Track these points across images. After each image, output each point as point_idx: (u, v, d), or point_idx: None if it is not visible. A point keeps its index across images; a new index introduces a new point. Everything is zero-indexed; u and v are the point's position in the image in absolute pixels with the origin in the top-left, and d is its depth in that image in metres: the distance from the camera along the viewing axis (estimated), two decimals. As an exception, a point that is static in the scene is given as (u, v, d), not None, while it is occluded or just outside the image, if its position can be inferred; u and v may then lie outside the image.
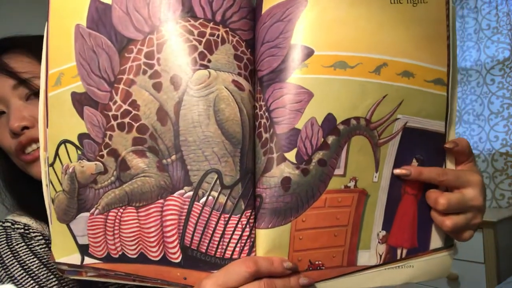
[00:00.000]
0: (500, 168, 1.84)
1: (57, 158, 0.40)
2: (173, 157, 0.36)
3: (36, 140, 0.53)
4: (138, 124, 0.36)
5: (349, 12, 0.36)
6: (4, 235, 0.54)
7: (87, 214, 0.39)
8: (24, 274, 0.49)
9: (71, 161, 0.39)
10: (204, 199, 0.35)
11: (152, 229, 0.37)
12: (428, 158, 0.40)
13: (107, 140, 0.37)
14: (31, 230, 0.55)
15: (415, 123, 0.40)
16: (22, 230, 0.55)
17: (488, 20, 1.88)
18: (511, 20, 1.79)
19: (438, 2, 0.40)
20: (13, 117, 0.52)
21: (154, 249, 0.37)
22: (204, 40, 0.36)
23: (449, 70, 0.40)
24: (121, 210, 0.37)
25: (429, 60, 0.39)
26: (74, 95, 0.38)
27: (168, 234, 0.36)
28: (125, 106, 0.36)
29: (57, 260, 0.41)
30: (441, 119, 0.41)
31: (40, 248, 0.53)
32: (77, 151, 0.39)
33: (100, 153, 0.38)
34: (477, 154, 1.94)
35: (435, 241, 0.42)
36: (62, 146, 0.39)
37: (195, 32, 0.36)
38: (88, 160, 0.38)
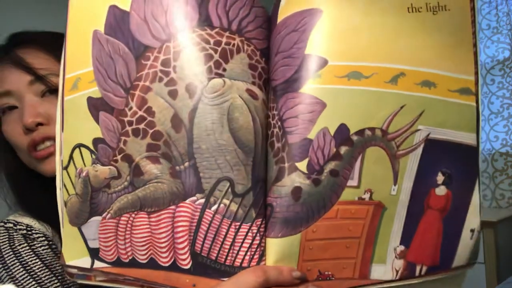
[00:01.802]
0: (500, 168, 1.86)
1: (71, 162, 0.41)
2: (186, 164, 0.37)
3: (49, 138, 0.54)
4: (152, 130, 0.37)
5: (364, 21, 0.37)
6: (7, 236, 0.55)
7: (99, 218, 0.40)
8: (26, 275, 0.50)
9: (85, 165, 0.40)
10: (215, 206, 0.36)
11: (163, 235, 0.38)
12: (458, 172, 0.39)
13: (121, 145, 0.38)
14: (33, 231, 0.56)
15: (439, 135, 0.39)
16: (25, 231, 0.56)
17: (488, 20, 1.91)
18: (511, 20, 1.80)
19: (462, 9, 0.39)
20: (28, 113, 0.53)
21: (165, 255, 0.38)
22: (219, 49, 0.37)
23: (477, 78, 0.39)
24: (133, 215, 0.38)
25: (453, 69, 0.39)
26: (90, 100, 0.40)
27: (179, 240, 0.37)
28: (140, 112, 0.37)
29: (67, 263, 0.42)
30: (471, 131, 0.39)
31: (43, 250, 0.54)
32: (91, 155, 0.40)
33: (114, 158, 0.39)
34: (476, 154, 1.95)
35: (460, 259, 0.41)
36: (77, 150, 0.41)
37: (211, 41, 0.37)
38: (102, 164, 0.39)
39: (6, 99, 0.55)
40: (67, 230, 0.42)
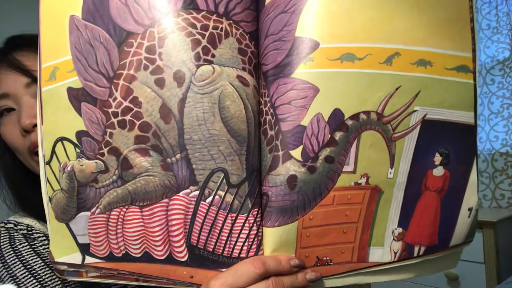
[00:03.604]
0: (500, 168, 1.94)
1: (54, 156, 0.40)
2: (178, 156, 0.36)
3: None
4: (140, 122, 0.36)
5: (356, 1, 0.37)
6: (7, 236, 0.56)
7: (87, 213, 0.39)
8: (27, 273, 0.50)
9: (69, 159, 0.39)
10: (210, 198, 0.36)
11: (157, 228, 0.37)
12: (456, 152, 0.40)
13: (107, 138, 0.37)
14: (34, 231, 0.58)
15: (436, 115, 0.39)
16: (25, 231, 0.57)
17: (488, 20, 1.97)
18: (511, 20, 1.86)
19: None
20: (25, 115, 0.53)
21: (160, 248, 0.38)
22: (207, 33, 0.36)
23: (474, 55, 0.40)
24: (124, 209, 0.38)
25: (450, 46, 0.39)
26: (71, 91, 0.38)
27: (174, 233, 0.37)
28: (126, 103, 0.36)
29: (56, 260, 0.41)
30: (468, 109, 0.40)
31: (44, 249, 0.56)
32: (75, 149, 0.39)
33: (100, 151, 0.38)
34: (477, 154, 2.01)
35: (457, 238, 0.42)
36: (59, 143, 0.40)
37: (198, 25, 0.36)
38: (88, 158, 0.38)
39: (4, 102, 0.56)
40: (54, 226, 0.42)
